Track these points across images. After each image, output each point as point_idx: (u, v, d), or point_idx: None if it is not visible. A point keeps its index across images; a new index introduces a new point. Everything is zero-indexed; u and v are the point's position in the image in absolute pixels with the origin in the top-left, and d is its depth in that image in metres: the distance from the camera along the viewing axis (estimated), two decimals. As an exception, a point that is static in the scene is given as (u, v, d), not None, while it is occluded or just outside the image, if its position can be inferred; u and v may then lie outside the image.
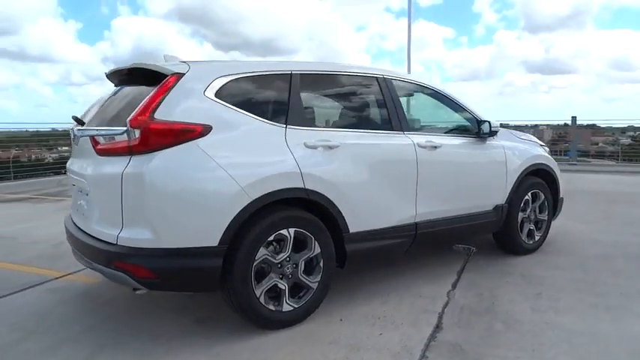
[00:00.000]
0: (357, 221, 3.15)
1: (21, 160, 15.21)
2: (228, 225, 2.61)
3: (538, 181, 4.43)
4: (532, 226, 4.43)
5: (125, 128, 2.55)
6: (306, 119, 3.08)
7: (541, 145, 4.66)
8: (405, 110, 3.73)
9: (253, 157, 2.76)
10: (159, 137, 2.53)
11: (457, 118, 4.01)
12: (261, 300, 2.78)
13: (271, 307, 2.83)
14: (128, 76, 3.02)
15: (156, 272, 2.54)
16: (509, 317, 3.06)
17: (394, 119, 3.47)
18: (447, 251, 4.47)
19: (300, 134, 2.96)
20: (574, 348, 2.65)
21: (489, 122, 3.88)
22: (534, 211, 4.44)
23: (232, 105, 2.79)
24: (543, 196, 4.47)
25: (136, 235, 2.53)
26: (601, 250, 4.53)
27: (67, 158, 3.46)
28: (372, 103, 3.60)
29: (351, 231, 3.12)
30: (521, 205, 4.28)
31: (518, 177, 4.20)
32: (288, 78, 3.06)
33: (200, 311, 3.16)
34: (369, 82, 3.50)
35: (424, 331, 2.86)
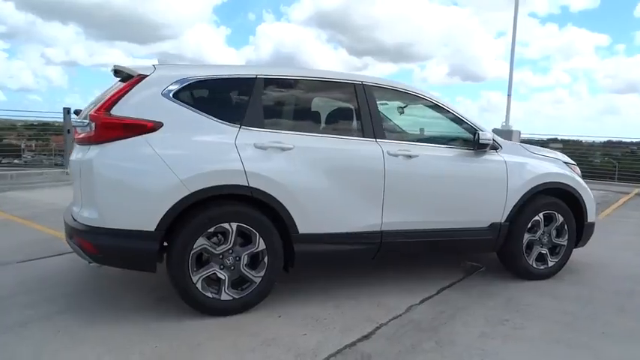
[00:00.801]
0: (307, 223, 3.22)
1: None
2: (166, 213, 2.87)
3: (554, 202, 4.05)
4: (544, 251, 4.06)
5: (88, 121, 2.96)
6: (264, 121, 3.23)
7: (567, 164, 4.24)
8: (385, 118, 3.71)
9: (197, 154, 2.99)
10: (110, 130, 2.88)
11: (450, 129, 3.84)
12: (198, 286, 3.01)
13: (208, 294, 3.04)
14: (117, 74, 3.42)
15: (98, 248, 2.90)
16: (447, 338, 2.91)
17: (366, 126, 3.46)
18: (451, 266, 4.29)
19: (252, 135, 3.12)
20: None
21: (479, 134, 3.66)
22: (549, 234, 4.06)
23: (188, 105, 3.05)
24: (562, 219, 4.07)
25: (88, 215, 2.92)
26: (628, 285, 4.01)
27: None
28: (342, 109, 3.63)
29: (300, 232, 3.20)
30: (529, 225, 3.95)
31: (524, 195, 3.88)
32: (252, 81, 3.24)
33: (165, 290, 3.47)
34: (343, 88, 3.53)
35: (348, 338, 2.86)
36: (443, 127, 3.88)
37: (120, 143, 2.89)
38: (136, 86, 2.99)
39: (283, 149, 3.16)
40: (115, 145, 2.88)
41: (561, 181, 4.06)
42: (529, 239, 4.00)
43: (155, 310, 3.15)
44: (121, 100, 2.94)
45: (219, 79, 3.20)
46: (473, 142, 3.70)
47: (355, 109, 3.50)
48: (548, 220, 4.05)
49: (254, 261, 3.16)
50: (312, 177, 3.22)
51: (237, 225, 3.06)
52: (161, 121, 2.96)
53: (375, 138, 3.46)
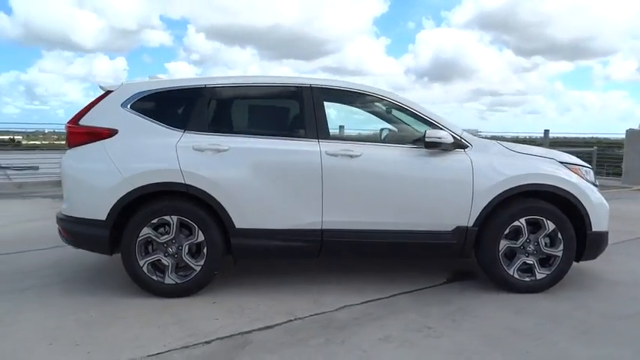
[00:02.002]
0: (243, 218, 3.47)
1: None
2: (113, 205, 3.40)
3: (540, 206, 3.62)
4: (531, 261, 3.65)
5: (68, 129, 3.66)
6: (207, 126, 3.56)
7: (565, 164, 3.73)
8: (336, 119, 3.75)
9: (142, 155, 3.47)
10: (76, 137, 3.53)
11: (407, 128, 3.72)
12: (144, 269, 3.47)
13: (154, 277, 3.49)
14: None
15: (69, 233, 3.56)
16: (343, 337, 2.89)
17: (309, 127, 3.57)
18: (443, 270, 4.09)
19: (193, 138, 3.50)
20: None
21: (425, 132, 3.48)
22: (536, 242, 3.64)
23: (142, 114, 3.56)
24: (553, 227, 3.61)
25: (65, 206, 3.60)
26: (630, 308, 3.39)
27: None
28: (286, 112, 3.76)
29: (237, 226, 3.47)
30: (506, 231, 3.61)
31: (496, 197, 3.56)
32: (200, 91, 3.63)
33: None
34: (289, 92, 3.70)
35: (250, 326, 3.03)
36: (400, 126, 3.77)
37: (83, 147, 3.51)
38: (103, 100, 3.60)
39: (219, 151, 3.47)
40: (79, 149, 3.52)
41: (548, 182, 3.61)
42: (508, 247, 3.65)
43: (110, 290, 3.63)
44: (89, 112, 3.57)
45: (170, 90, 3.65)
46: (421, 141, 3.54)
47: (300, 111, 3.64)
48: (535, 226, 3.63)
49: (195, 251, 3.52)
50: (247, 176, 3.46)
51: (178, 218, 3.46)
52: (117, 128, 3.51)
53: (318, 139, 3.55)
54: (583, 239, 3.68)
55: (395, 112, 3.80)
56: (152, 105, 3.63)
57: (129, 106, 3.57)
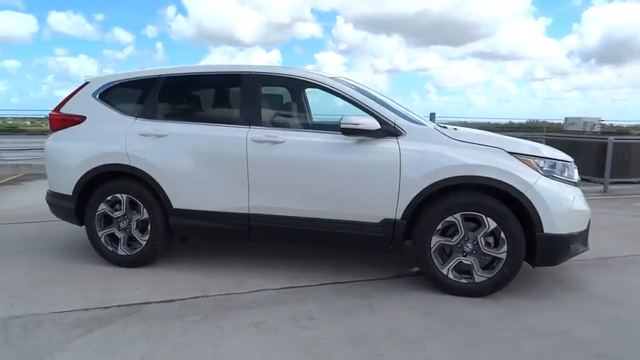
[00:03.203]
0: (179, 199, 3.72)
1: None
2: (77, 182, 3.89)
3: (480, 202, 3.24)
4: (469, 261, 3.30)
5: (56, 116, 4.24)
6: (155, 113, 3.85)
7: (515, 154, 3.26)
8: (272, 105, 3.77)
9: (99, 139, 3.89)
10: (56, 123, 4.09)
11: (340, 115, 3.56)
12: (102, 240, 3.92)
13: (109, 248, 3.92)
14: None
15: (50, 205, 4.16)
16: (199, 318, 2.99)
17: (243, 114, 3.65)
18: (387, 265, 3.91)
19: (142, 124, 3.83)
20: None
21: (342, 118, 3.31)
22: (475, 241, 3.28)
23: (106, 103, 3.99)
24: (494, 225, 3.22)
25: (48, 182, 4.21)
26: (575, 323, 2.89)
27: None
28: (221, 99, 3.85)
29: (174, 207, 3.73)
30: (438, 227, 3.31)
31: (426, 189, 3.28)
32: (154, 81, 3.93)
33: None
34: (230, 79, 3.80)
35: (152, 298, 3.28)
36: (333, 112, 3.64)
37: (60, 132, 4.06)
38: (80, 90, 4.12)
39: (159, 136, 3.75)
40: (58, 133, 4.08)
41: (486, 175, 3.21)
42: (441, 244, 3.34)
43: (81, 258, 4.09)
44: (69, 101, 4.11)
45: (130, 81, 4.02)
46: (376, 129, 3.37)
47: (234, 98, 3.74)
48: (478, 223, 3.26)
49: (142, 227, 3.86)
50: (182, 159, 3.69)
51: (127, 196, 3.84)
52: (85, 115, 4.00)
53: (250, 125, 3.63)
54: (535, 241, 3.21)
55: (332, 97, 3.67)
56: (114, 95, 4.04)
57: (97, 96, 4.03)
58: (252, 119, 3.64)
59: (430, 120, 13.15)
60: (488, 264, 3.32)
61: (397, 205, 3.36)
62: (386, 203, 3.37)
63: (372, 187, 3.39)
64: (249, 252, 4.27)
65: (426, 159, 3.31)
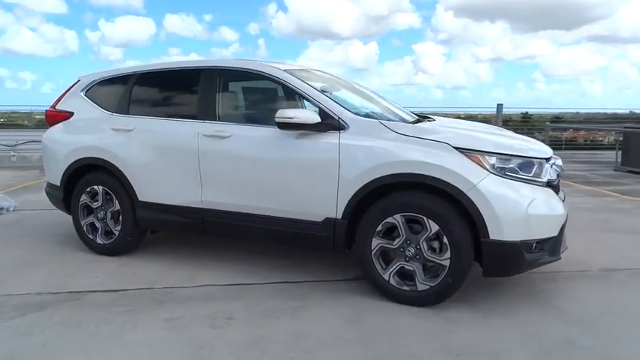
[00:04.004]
0: (143, 192, 3.82)
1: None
2: (63, 173, 4.16)
3: (420, 202, 2.95)
4: (412, 267, 3.02)
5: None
6: (128, 109, 3.97)
7: (463, 150, 2.89)
8: (228, 100, 3.72)
9: (80, 134, 4.12)
10: (50, 118, 4.39)
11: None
12: (84, 229, 4.16)
13: (90, 236, 4.14)
14: None
15: (47, 195, 4.48)
16: (135, 309, 3.05)
17: (200, 108, 3.64)
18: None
19: (116, 120, 3.98)
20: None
21: (277, 112, 3.16)
22: (417, 246, 2.99)
23: (90, 99, 4.20)
24: (436, 228, 2.91)
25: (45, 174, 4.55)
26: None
27: None
28: (183, 94, 3.83)
29: (140, 199, 3.85)
30: (379, 228, 3.06)
31: (363, 187, 3.05)
32: (130, 77, 4.07)
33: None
34: (189, 75, 3.78)
35: (101, 287, 3.42)
36: (286, 106, 3.49)
37: (53, 127, 4.36)
38: (72, 87, 4.38)
39: (127, 130, 3.88)
40: (51, 128, 4.38)
41: (425, 172, 2.89)
42: (382, 247, 3.09)
43: (71, 245, 4.37)
44: (63, 97, 4.40)
45: (111, 77, 4.19)
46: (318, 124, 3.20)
47: (194, 93, 3.74)
48: (422, 226, 2.97)
49: (115, 218, 4.03)
50: (144, 153, 3.79)
51: (103, 188, 4.03)
52: (73, 111, 4.25)
53: (205, 120, 3.62)
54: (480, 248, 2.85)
55: (289, 91, 3.54)
56: (97, 91, 4.24)
57: (84, 93, 4.27)
58: (207, 114, 3.63)
59: (498, 111, 12.48)
60: (433, 271, 3.01)
61: (337, 203, 3.16)
62: (326, 201, 3.19)
63: (313, 184, 3.22)
64: (222, 246, 4.27)
65: (365, 155, 3.07)
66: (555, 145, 18.94)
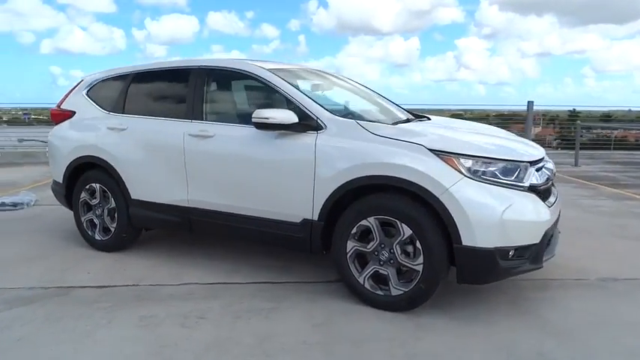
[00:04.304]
0: (135, 190, 3.91)
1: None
2: (64, 171, 4.30)
3: (393, 205, 2.89)
4: (386, 271, 2.97)
5: (61, 111, 4.72)
6: (123, 108, 4.06)
7: (437, 152, 2.79)
8: (215, 99, 3.74)
9: (80, 132, 4.24)
10: (56, 117, 4.54)
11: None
12: (84, 225, 4.29)
13: (89, 232, 4.27)
14: None
15: (52, 191, 4.64)
16: (115, 306, 3.12)
17: (188, 108, 3.67)
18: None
19: (111, 119, 4.08)
20: None
21: (254, 112, 3.15)
22: (391, 249, 2.93)
23: (91, 99, 4.33)
24: (409, 232, 2.84)
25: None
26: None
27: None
28: (173, 94, 3.86)
29: (132, 197, 3.94)
30: (353, 230, 3.02)
31: (339, 188, 3.01)
32: (126, 77, 4.16)
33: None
34: (182, 74, 3.81)
35: (90, 283, 3.52)
36: (267, 106, 3.47)
37: (57, 126, 4.51)
38: (76, 87, 4.52)
39: (121, 129, 3.97)
40: (55, 127, 4.53)
41: (397, 175, 2.83)
42: (357, 250, 3.04)
43: (73, 240, 4.53)
44: (67, 97, 4.55)
45: (110, 77, 4.29)
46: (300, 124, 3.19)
47: (183, 93, 3.77)
48: (396, 230, 2.91)
49: (112, 215, 4.14)
50: (136, 152, 3.87)
51: (99, 185, 4.15)
52: (75, 110, 4.39)
53: (192, 119, 3.66)
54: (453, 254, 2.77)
55: (268, 91, 3.53)
56: (98, 91, 4.35)
57: (86, 92, 4.40)
58: (194, 114, 3.67)
59: (529, 108, 12.10)
60: (407, 276, 2.94)
61: (313, 204, 3.13)
62: (303, 202, 3.17)
63: (290, 185, 3.21)
64: (214, 245, 4.29)
65: (340, 156, 3.03)
66: (604, 144, 18.04)
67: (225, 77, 3.76)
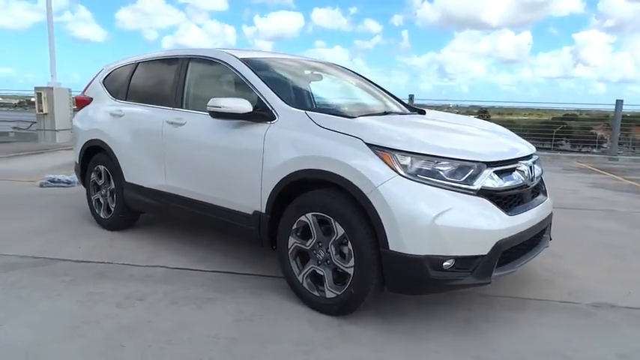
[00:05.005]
0: (128, 174, 4.09)
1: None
2: (79, 153, 4.62)
3: (327, 202, 2.71)
4: (322, 272, 2.81)
5: (89, 98, 5.06)
6: (126, 96, 4.25)
7: (375, 146, 2.55)
8: (200, 88, 3.76)
9: (92, 117, 4.52)
10: (79, 103, 4.88)
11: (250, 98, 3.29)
12: (93, 203, 4.58)
13: (97, 211, 4.55)
14: None
15: (75, 170, 4.99)
16: (78, 281, 3.28)
17: (177, 96, 3.74)
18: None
19: (114, 105, 4.31)
20: None
21: (211, 101, 3.10)
22: (327, 249, 2.76)
23: (105, 86, 4.59)
24: (342, 232, 2.65)
25: (75, 152, 5.07)
26: None
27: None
28: (164, 82, 3.90)
29: (126, 180, 4.12)
30: (294, 226, 2.89)
31: (281, 182, 2.90)
32: (131, 66, 4.36)
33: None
34: (173, 63, 3.89)
35: (74, 257, 3.74)
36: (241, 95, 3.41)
37: (80, 110, 4.85)
38: (97, 76, 4.83)
39: (119, 115, 4.17)
40: (79, 112, 4.87)
41: (330, 169, 2.65)
42: (297, 246, 2.91)
43: (84, 219, 4.87)
44: (89, 85, 4.87)
45: (121, 66, 4.51)
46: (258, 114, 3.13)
47: (171, 81, 3.85)
48: (332, 229, 2.73)
49: (113, 196, 4.36)
50: (128, 137, 4.05)
51: (104, 168, 4.40)
52: (93, 97, 4.69)
53: (174, 107, 3.74)
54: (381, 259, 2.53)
55: (236, 79, 3.48)
56: (111, 79, 4.61)
57: (102, 81, 4.68)
58: (175, 101, 3.74)
59: (617, 108, 11.02)
60: (342, 279, 2.74)
61: (261, 196, 3.04)
62: (254, 194, 3.09)
63: (243, 175, 3.14)
64: (208, 233, 4.35)
65: (284, 147, 2.91)
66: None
67: (202, 66, 3.78)
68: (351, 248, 2.62)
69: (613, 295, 3.20)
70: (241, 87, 3.43)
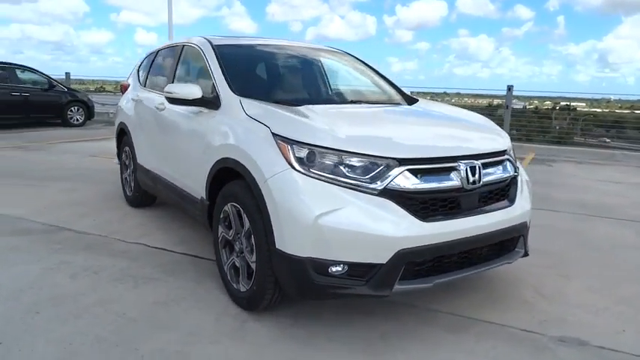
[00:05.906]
0: (139, 156, 4.36)
1: None
2: (116, 131, 5.03)
3: (235, 193, 2.64)
4: (238, 263, 2.73)
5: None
6: (146, 82, 4.51)
7: (278, 136, 2.37)
8: (192, 74, 3.83)
9: (123, 102, 4.88)
10: (122, 88, 5.30)
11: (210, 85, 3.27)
12: (122, 182, 4.98)
13: (125, 189, 4.94)
14: None
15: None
16: (74, 251, 3.58)
17: (169, 82, 3.86)
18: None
19: (137, 90, 4.61)
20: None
21: (167, 87, 3.15)
22: (242, 242, 2.66)
23: (137, 73, 4.93)
24: (248, 225, 2.54)
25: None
26: None
27: None
28: (167, 68, 4.02)
29: (138, 161, 4.41)
30: (221, 215, 2.84)
31: (211, 168, 2.87)
32: (154, 54, 4.61)
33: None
34: (173, 51, 4.03)
35: (80, 229, 4.11)
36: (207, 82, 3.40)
37: (125, 93, 5.25)
38: (137, 64, 5.20)
39: (136, 100, 4.45)
40: (125, 94, 5.28)
41: (235, 158, 2.58)
42: (224, 236, 2.86)
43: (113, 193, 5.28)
44: (132, 72, 5.27)
45: (151, 54, 4.78)
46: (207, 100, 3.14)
47: (171, 67, 3.99)
48: (243, 220, 2.64)
49: (133, 175, 4.69)
50: (139, 121, 4.31)
51: (128, 149, 4.74)
52: (129, 83, 5.07)
53: (162, 92, 3.88)
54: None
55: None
56: (142, 66, 4.92)
57: (137, 68, 5.03)
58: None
59: None
60: (252, 274, 2.62)
61: (203, 182, 3.03)
62: (200, 180, 3.08)
63: (194, 161, 3.17)
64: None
65: (216, 135, 2.87)
66: None
67: (189, 53, 3.84)
68: (253, 243, 2.49)
69: (600, 331, 2.60)
70: (207, 74, 3.44)
